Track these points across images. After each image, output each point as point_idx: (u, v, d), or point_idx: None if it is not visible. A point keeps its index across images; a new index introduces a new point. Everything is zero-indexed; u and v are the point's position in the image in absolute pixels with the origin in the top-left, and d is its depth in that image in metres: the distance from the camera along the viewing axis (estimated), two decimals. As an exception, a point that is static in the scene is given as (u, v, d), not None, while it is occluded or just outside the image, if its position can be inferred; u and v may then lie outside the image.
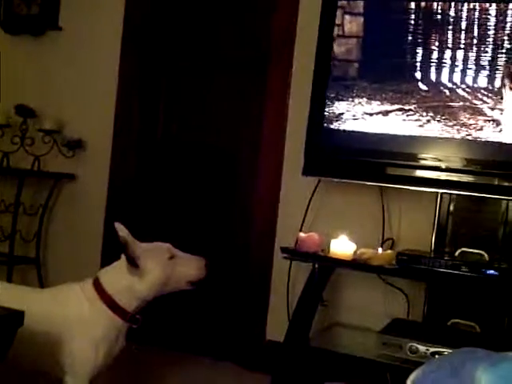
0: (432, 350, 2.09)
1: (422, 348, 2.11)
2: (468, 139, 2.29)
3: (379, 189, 2.55)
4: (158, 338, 3.00)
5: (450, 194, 2.38)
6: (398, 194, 2.55)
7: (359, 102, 2.45)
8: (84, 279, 1.95)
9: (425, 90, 2.36)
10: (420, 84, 2.37)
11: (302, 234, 2.40)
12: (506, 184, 2.24)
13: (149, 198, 3.20)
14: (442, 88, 2.34)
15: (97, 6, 3.21)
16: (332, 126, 2.49)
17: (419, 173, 2.36)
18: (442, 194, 2.39)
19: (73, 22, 3.25)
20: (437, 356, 2.05)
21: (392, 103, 2.39)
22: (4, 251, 3.10)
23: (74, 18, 3.25)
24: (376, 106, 2.42)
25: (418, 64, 2.38)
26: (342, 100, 2.47)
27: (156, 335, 2.99)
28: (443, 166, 2.31)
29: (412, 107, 2.37)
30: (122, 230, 1.86)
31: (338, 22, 2.48)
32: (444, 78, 2.34)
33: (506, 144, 2.24)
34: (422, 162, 2.35)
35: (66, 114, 3.22)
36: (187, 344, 2.99)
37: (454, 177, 2.29)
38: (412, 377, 1.08)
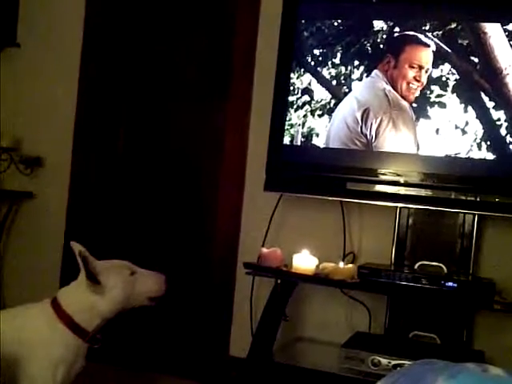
0: (394, 362, 2.11)
1: (384, 361, 2.12)
2: (425, 154, 2.34)
3: (340, 203, 2.58)
4: (117, 357, 2.95)
5: (409, 208, 2.42)
6: (359, 209, 2.58)
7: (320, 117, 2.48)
8: (42, 300, 1.92)
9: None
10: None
11: (264, 250, 2.40)
12: (463, 197, 2.29)
13: (109, 216, 3.16)
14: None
15: (55, 22, 3.18)
16: (293, 142, 2.51)
17: (379, 187, 2.39)
18: (400, 208, 2.43)
19: (31, 39, 3.21)
20: (398, 368, 2.06)
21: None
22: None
23: (32, 34, 3.20)
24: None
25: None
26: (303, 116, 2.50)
27: (116, 354, 2.94)
28: (402, 180, 2.35)
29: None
30: (78, 248, 1.85)
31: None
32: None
33: (461, 158, 2.29)
34: (382, 177, 2.38)
35: (24, 132, 3.17)
36: (148, 362, 2.95)
37: (412, 191, 2.33)
38: (373, 390, 1.08)
